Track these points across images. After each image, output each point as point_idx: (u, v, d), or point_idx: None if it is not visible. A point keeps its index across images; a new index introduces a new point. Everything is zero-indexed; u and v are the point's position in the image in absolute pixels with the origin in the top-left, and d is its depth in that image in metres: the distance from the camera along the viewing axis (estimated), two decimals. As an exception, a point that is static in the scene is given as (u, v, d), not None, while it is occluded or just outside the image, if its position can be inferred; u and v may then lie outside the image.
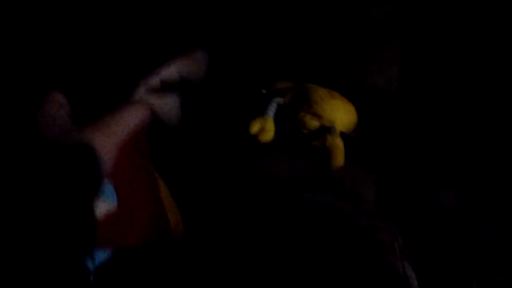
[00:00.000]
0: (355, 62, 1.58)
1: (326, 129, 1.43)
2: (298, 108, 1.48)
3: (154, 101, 1.15)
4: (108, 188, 1.05)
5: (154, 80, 1.17)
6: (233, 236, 1.14)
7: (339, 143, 1.39)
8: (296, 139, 1.46)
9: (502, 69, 1.43)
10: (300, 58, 1.64)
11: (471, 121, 1.40)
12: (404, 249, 1.14)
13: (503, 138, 1.34)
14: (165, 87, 1.18)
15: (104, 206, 1.03)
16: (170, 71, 1.19)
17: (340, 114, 1.45)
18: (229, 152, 1.41)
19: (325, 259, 1.07)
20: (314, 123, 1.45)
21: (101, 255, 1.00)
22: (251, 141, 1.44)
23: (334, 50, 1.62)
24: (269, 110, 1.48)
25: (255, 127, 1.45)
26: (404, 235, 1.22)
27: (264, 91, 1.55)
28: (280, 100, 1.51)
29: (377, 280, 1.05)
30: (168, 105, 1.17)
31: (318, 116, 1.45)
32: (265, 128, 1.45)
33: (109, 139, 0.99)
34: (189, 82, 1.22)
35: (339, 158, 1.39)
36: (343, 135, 1.42)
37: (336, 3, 1.63)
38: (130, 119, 1.07)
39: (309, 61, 1.62)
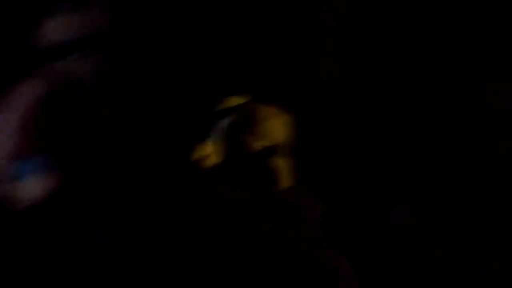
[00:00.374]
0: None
1: (271, 150, 1.37)
2: (242, 129, 1.41)
3: None
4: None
5: None
6: (169, 267, 1.07)
7: (283, 164, 1.32)
8: (241, 162, 1.39)
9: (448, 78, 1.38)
10: (245, 72, 1.58)
11: (420, 136, 1.35)
12: (352, 276, 1.08)
13: (454, 154, 1.29)
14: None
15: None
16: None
17: (285, 133, 1.38)
18: (168, 181, 1.34)
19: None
20: (258, 144, 1.39)
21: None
22: (193, 168, 1.37)
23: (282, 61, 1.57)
24: (212, 132, 1.41)
25: (197, 153, 1.38)
26: (353, 256, 1.16)
27: (206, 111, 1.48)
28: (223, 121, 1.44)
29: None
30: None
31: (262, 137, 1.39)
32: (208, 153, 1.38)
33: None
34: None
35: (284, 180, 1.33)
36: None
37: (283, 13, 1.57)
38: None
39: (256, 75, 1.56)
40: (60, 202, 1.18)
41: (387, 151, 1.37)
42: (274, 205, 1.29)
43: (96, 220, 1.20)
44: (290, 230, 1.17)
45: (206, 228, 1.18)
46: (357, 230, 1.25)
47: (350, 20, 1.56)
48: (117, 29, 1.46)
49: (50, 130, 1.14)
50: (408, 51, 1.47)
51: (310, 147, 1.40)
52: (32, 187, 1.00)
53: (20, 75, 1.07)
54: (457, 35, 1.38)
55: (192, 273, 1.09)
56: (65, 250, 1.14)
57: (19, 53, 1.10)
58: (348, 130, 1.44)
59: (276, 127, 1.38)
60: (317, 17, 1.59)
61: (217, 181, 1.35)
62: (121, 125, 1.43)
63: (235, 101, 1.46)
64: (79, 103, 1.34)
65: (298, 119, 1.40)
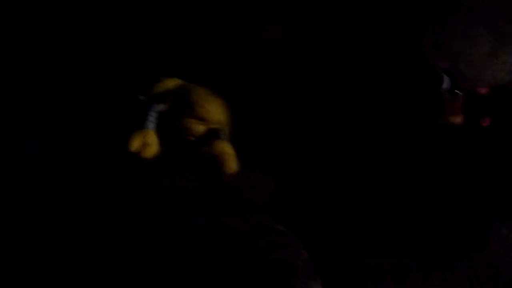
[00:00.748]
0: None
1: (214, 133, 1.29)
2: (181, 113, 1.33)
3: None
4: None
5: None
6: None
7: (227, 147, 1.25)
8: (184, 149, 1.31)
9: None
10: (180, 53, 1.48)
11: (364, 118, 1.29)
12: (310, 265, 1.03)
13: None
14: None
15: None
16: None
17: (225, 115, 1.31)
18: (107, 176, 1.25)
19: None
20: (200, 128, 1.31)
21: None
22: (132, 160, 1.28)
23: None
24: (149, 121, 1.32)
25: (135, 143, 1.29)
26: (310, 242, 1.11)
27: (142, 97, 1.38)
28: (160, 107, 1.35)
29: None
30: None
31: (203, 120, 1.31)
32: (147, 143, 1.29)
33: None
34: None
35: (231, 164, 1.26)
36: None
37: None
38: None
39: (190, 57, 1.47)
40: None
41: (337, 130, 1.31)
42: (219, 193, 1.22)
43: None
44: (238, 219, 1.11)
45: (147, 221, 1.11)
46: (313, 213, 1.20)
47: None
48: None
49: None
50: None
51: (253, 130, 1.32)
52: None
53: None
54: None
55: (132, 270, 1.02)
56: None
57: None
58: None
59: (215, 110, 1.31)
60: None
61: (159, 171, 1.27)
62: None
63: (169, 84, 1.37)
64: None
65: (237, 100, 1.33)
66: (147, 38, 1.45)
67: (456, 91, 1.29)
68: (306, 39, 1.53)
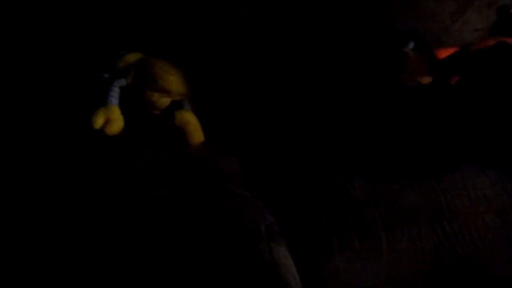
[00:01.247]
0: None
1: (178, 105, 1.28)
2: (143, 87, 1.31)
3: None
4: None
5: None
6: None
7: (190, 118, 1.24)
8: (149, 123, 1.30)
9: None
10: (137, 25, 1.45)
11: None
12: (274, 228, 1.02)
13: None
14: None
15: None
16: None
17: (187, 86, 1.29)
18: (73, 152, 1.23)
19: (180, 259, 0.94)
20: (163, 101, 1.29)
21: None
22: (97, 136, 1.26)
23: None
24: (111, 96, 1.31)
25: (98, 121, 1.27)
26: (276, 207, 1.10)
27: (105, 75, 1.36)
28: (122, 81, 1.33)
29: (239, 272, 0.92)
30: None
31: (166, 92, 1.29)
32: (111, 118, 1.28)
33: None
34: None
35: (196, 135, 1.24)
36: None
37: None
38: None
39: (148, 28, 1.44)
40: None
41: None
42: (188, 164, 1.21)
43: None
44: (202, 189, 1.09)
45: (117, 198, 1.09)
46: (279, 180, 1.18)
47: None
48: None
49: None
50: None
51: (215, 100, 1.31)
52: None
53: None
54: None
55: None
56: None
57: None
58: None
59: (177, 81, 1.29)
60: None
61: (125, 146, 1.25)
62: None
63: (131, 59, 1.35)
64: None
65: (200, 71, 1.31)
66: (107, 11, 1.43)
67: (422, 50, 1.28)
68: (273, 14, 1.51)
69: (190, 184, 1.13)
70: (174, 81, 1.29)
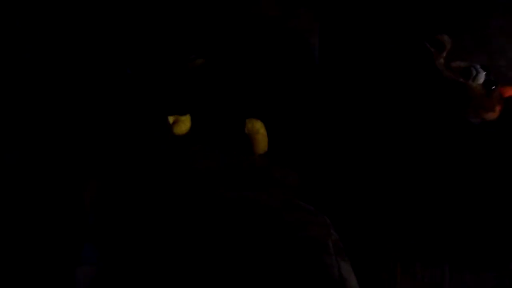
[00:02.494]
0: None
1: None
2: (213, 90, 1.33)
3: None
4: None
5: None
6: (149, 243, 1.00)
7: (260, 127, 1.26)
8: (214, 127, 1.32)
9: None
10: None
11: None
12: (340, 245, 1.03)
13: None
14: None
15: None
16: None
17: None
18: (140, 149, 1.25)
19: (249, 263, 0.95)
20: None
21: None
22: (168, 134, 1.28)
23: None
24: (182, 96, 1.33)
25: (169, 119, 1.29)
26: (340, 227, 1.11)
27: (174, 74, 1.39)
28: (194, 81, 1.35)
29: (308, 284, 0.93)
30: None
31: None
32: (180, 119, 1.30)
33: None
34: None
35: (262, 144, 1.26)
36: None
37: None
38: None
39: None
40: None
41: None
42: (250, 171, 1.23)
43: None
44: (268, 196, 1.11)
45: (180, 197, 1.11)
46: (343, 196, 1.20)
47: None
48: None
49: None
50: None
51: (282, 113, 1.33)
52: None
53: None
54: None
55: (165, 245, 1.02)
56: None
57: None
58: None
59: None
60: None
61: (192, 148, 1.27)
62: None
63: (199, 62, 1.37)
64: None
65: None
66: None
67: (492, 86, 1.28)
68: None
69: (256, 190, 1.14)
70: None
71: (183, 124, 1.30)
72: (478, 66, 1.29)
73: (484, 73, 1.28)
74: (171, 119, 1.29)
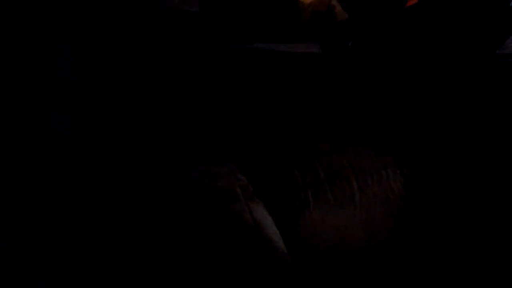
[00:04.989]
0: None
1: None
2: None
3: None
4: None
5: None
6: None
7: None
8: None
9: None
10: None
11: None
12: (250, 189, 1.04)
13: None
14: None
15: None
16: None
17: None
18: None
19: (158, 227, 0.95)
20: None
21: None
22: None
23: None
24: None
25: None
26: (247, 168, 1.11)
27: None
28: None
29: (222, 235, 0.94)
30: None
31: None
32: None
33: None
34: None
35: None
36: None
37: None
38: None
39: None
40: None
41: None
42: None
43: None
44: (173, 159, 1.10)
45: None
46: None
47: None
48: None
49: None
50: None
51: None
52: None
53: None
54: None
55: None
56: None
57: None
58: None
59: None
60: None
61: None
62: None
63: None
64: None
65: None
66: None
67: None
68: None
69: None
70: None
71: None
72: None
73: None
74: None
